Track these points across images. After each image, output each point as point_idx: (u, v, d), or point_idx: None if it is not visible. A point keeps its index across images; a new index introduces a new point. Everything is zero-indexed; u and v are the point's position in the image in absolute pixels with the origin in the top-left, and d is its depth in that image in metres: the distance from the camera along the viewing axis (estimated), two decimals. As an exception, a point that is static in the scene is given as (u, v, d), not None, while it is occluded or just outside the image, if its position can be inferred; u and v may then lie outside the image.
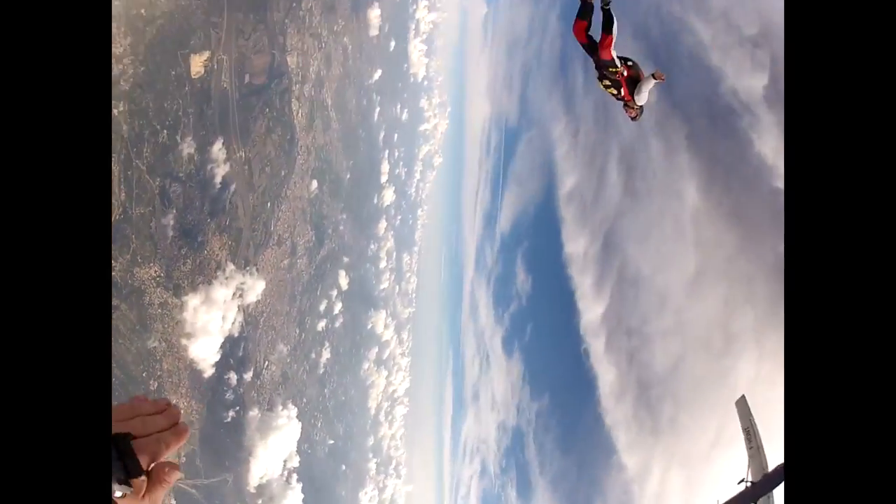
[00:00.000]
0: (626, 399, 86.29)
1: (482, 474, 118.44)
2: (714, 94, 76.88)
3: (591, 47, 11.16)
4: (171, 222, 62.10)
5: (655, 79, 11.57)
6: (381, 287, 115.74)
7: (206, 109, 66.49)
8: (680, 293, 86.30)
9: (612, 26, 10.68)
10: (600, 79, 11.45)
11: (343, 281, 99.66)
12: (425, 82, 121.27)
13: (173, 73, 59.88)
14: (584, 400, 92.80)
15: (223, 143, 69.62)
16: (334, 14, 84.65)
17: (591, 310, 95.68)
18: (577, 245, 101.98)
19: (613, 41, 10.80)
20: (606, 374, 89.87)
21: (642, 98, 11.67)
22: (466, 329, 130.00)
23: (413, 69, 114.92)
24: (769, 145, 69.19)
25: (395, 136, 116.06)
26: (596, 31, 10.96)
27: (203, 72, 64.30)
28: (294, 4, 75.16)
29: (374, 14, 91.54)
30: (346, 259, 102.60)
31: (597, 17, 10.91)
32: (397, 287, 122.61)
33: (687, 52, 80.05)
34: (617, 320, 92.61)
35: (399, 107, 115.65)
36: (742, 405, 27.61)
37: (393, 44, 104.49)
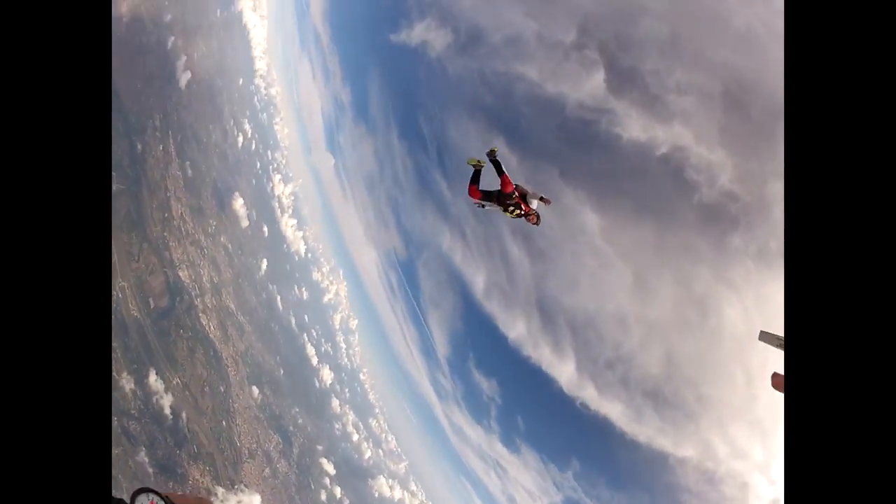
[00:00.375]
0: (646, 414, 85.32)
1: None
2: (565, 120, 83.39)
3: (487, 196, 13.99)
4: (146, 459, 59.59)
5: (542, 201, 14.13)
6: (366, 457, 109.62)
7: (128, 342, 64.09)
8: (633, 304, 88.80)
9: (502, 168, 13.69)
10: (506, 210, 14.07)
11: (329, 467, 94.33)
12: (309, 255, 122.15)
13: (87, 306, 57.32)
14: (609, 440, 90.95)
15: (157, 374, 66.98)
16: (203, 215, 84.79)
17: (564, 370, 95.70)
18: (517, 328, 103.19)
19: (507, 175, 13.73)
20: (613, 409, 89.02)
21: (534, 204, 14.00)
22: (464, 452, 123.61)
23: (293, 247, 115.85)
24: (635, 126, 75.35)
25: (305, 317, 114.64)
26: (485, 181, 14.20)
27: (112, 304, 61.73)
28: (166, 215, 74.64)
29: (239, 204, 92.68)
30: (319, 447, 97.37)
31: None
32: (380, 451, 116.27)
33: (523, 98, 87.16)
34: (592, 363, 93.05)
35: (296, 288, 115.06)
36: (764, 335, 29.31)
37: (266, 229, 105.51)
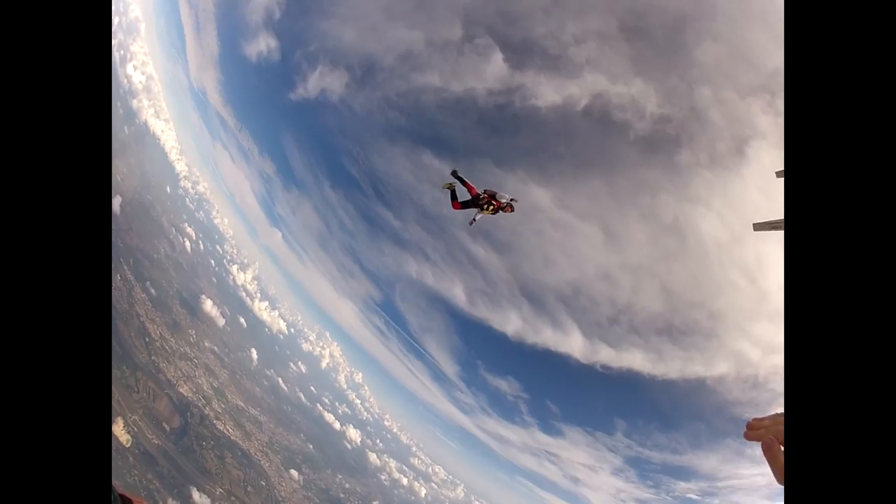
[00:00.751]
0: (667, 351, 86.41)
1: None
2: (480, 111, 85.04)
3: (466, 203, 17.73)
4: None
5: (513, 201, 17.69)
6: (423, 495, 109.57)
7: (160, 471, 63.98)
8: (611, 256, 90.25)
9: (465, 180, 17.61)
10: (483, 209, 17.64)
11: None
12: (292, 330, 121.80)
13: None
14: (642, 388, 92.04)
15: (198, 490, 66.91)
16: (181, 328, 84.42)
17: (572, 342, 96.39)
18: (511, 322, 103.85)
19: (470, 184, 17.55)
20: (634, 359, 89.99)
21: (504, 197, 17.58)
22: (511, 455, 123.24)
23: (275, 327, 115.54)
24: (548, 91, 77.49)
25: (312, 388, 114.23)
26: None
27: (130, 438, 61.70)
28: (147, 339, 74.29)
29: (209, 306, 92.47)
30: (375, 503, 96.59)
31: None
32: (433, 484, 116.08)
33: (434, 106, 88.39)
34: (597, 325, 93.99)
35: (292, 364, 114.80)
36: (758, 225, 30.94)
37: (242, 320, 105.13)
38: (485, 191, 17.57)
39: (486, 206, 17.50)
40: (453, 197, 17.90)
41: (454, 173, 17.75)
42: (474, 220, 17.82)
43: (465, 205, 17.77)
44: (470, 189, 17.53)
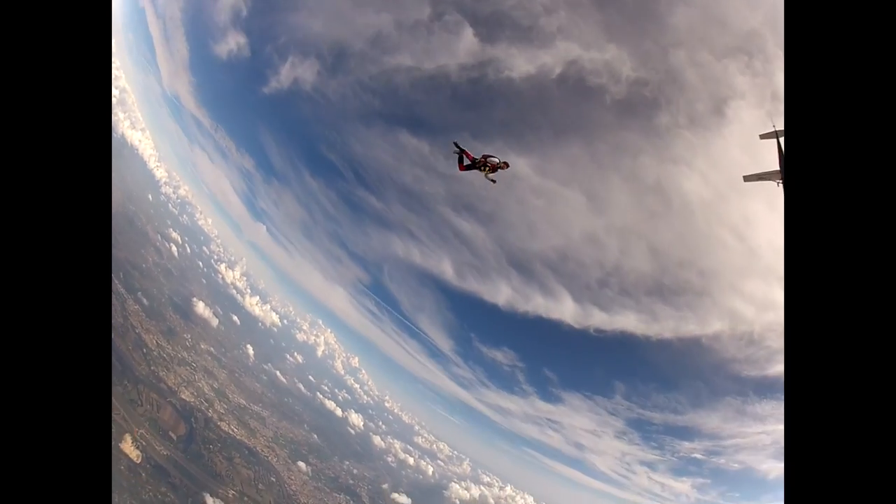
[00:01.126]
0: (659, 311, 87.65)
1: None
2: (454, 87, 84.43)
3: (468, 167, 21.11)
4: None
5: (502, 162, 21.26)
6: (430, 473, 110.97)
7: (172, 481, 64.58)
8: (595, 220, 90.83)
9: (462, 147, 21.01)
10: (481, 169, 21.03)
11: (403, 499, 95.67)
12: (285, 321, 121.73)
13: (122, 467, 58.01)
14: (638, 350, 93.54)
15: (211, 496, 67.99)
16: (175, 333, 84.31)
17: (565, 308, 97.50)
18: (501, 292, 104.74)
19: (468, 152, 21.12)
20: (627, 321, 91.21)
21: (495, 159, 21.00)
22: (513, 425, 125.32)
23: (268, 321, 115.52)
24: (521, 62, 76.95)
25: (310, 377, 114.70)
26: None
27: (140, 453, 62.11)
28: (144, 350, 74.38)
29: (201, 308, 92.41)
30: (385, 486, 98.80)
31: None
32: (439, 461, 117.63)
33: (408, 86, 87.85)
34: (587, 289, 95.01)
35: (289, 356, 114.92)
36: (748, 177, 30.79)
37: (235, 317, 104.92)
38: (483, 155, 21.07)
39: (483, 168, 21.09)
40: (460, 160, 21.25)
41: (455, 144, 21.17)
42: (492, 180, 21.53)
43: (467, 167, 21.32)
44: (468, 156, 21.12)
